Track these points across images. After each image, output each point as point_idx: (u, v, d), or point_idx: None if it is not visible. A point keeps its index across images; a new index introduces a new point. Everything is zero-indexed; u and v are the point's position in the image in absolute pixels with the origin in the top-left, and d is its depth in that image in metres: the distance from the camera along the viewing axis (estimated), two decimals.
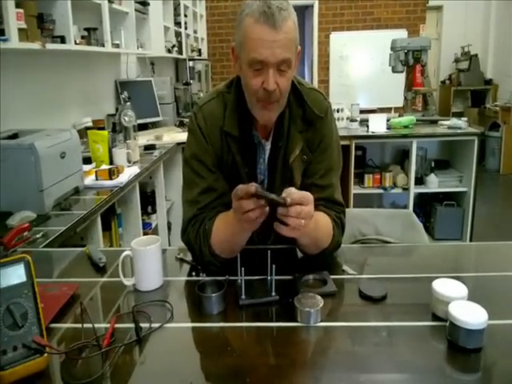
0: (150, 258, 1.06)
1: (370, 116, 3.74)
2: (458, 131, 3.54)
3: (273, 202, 0.93)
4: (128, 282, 1.07)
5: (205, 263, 1.14)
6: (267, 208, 0.96)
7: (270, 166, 1.21)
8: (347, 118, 3.78)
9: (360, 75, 7.02)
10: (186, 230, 1.17)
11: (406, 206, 3.75)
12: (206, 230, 1.12)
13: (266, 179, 1.23)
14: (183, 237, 1.19)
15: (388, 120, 3.70)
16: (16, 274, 0.79)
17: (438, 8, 7.94)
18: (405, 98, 4.12)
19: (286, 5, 1.01)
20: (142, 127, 3.52)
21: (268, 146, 1.20)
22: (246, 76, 1.06)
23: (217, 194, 1.14)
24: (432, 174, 3.77)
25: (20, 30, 1.88)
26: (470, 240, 3.65)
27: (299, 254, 1.21)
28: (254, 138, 1.19)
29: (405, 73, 4.01)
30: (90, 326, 0.89)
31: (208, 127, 1.17)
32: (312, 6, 6.98)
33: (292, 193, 0.95)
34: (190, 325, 0.95)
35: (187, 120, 4.04)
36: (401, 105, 4.26)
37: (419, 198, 3.98)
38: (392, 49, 3.92)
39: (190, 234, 1.15)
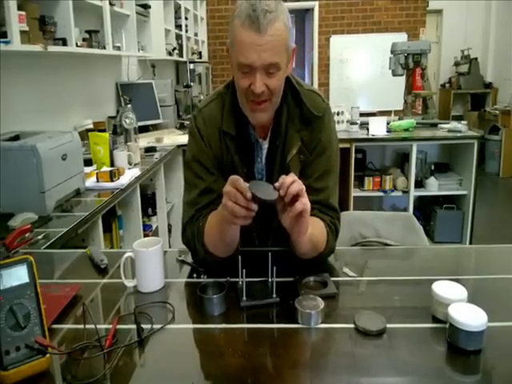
0: (151, 260, 1.06)
1: (370, 119, 3.75)
2: (458, 134, 3.55)
3: (266, 202, 0.93)
4: (129, 283, 1.07)
5: (200, 261, 1.16)
6: (255, 206, 0.94)
7: (267, 165, 1.22)
8: (347, 121, 3.79)
9: (360, 78, 7.04)
10: (185, 231, 1.18)
11: (406, 209, 3.76)
12: (200, 228, 1.13)
13: (264, 178, 1.23)
14: (183, 238, 1.20)
15: (388, 123, 3.71)
16: (19, 275, 0.79)
17: (438, 11, 7.96)
18: (405, 101, 4.13)
19: (273, 6, 0.99)
20: (143, 129, 3.53)
21: (266, 145, 1.21)
22: (236, 76, 1.08)
23: (215, 195, 1.14)
24: (432, 177, 3.77)
25: (22, 32, 1.89)
26: (470, 243, 3.65)
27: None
28: (251, 137, 1.20)
29: (405, 76, 4.02)
30: (91, 326, 0.89)
31: (207, 129, 1.18)
32: (312, 9, 7.01)
33: (285, 182, 0.94)
34: (192, 326, 0.95)
35: (188, 122, 4.05)
36: (401, 108, 4.27)
37: (419, 201, 3.99)
38: (392, 52, 3.94)
39: (188, 233, 1.17)
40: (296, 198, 0.94)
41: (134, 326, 0.90)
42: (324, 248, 1.14)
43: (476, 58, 7.74)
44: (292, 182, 0.94)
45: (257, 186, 0.95)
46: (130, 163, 2.49)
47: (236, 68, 1.05)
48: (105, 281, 1.15)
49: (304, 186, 0.96)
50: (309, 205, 0.97)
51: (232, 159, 1.18)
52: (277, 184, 0.95)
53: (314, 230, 1.08)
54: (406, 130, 3.69)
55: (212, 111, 1.19)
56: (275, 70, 1.03)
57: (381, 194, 3.81)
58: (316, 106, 1.19)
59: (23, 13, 1.91)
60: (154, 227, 3.06)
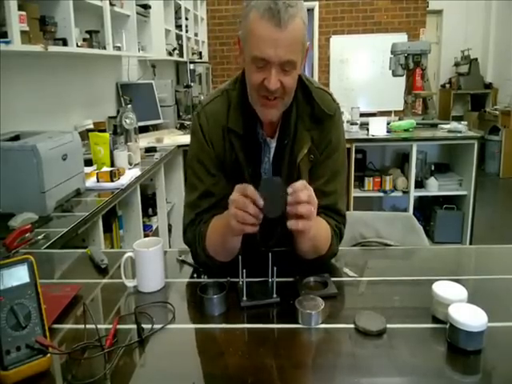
0: (152, 260, 1.06)
1: (371, 119, 3.75)
2: (458, 135, 3.55)
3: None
4: (130, 283, 1.08)
5: (201, 263, 1.16)
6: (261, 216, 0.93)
7: (274, 165, 1.18)
8: (347, 122, 3.79)
9: (360, 79, 7.05)
10: (186, 233, 1.18)
11: (406, 210, 3.76)
12: (201, 233, 1.12)
13: None
14: (184, 238, 1.20)
15: (388, 123, 3.71)
16: (19, 275, 0.80)
17: (438, 12, 7.96)
18: (405, 101, 4.13)
19: (294, 1, 0.95)
20: (143, 129, 3.53)
21: (273, 143, 1.17)
22: (249, 70, 1.03)
23: (215, 199, 1.13)
24: (432, 178, 3.77)
25: (22, 32, 1.89)
26: (470, 243, 3.65)
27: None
28: (259, 136, 1.16)
29: (405, 76, 4.02)
30: (92, 326, 0.89)
31: (210, 127, 1.14)
32: (312, 9, 7.01)
33: (300, 197, 0.92)
34: (192, 326, 0.96)
35: (188, 122, 4.05)
36: (401, 108, 4.28)
37: (419, 201, 3.99)
38: (392, 52, 3.94)
39: (189, 236, 1.16)
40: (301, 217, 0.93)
41: (134, 326, 0.91)
42: (326, 251, 1.13)
43: (476, 59, 7.74)
44: (305, 201, 0.92)
45: (266, 189, 0.92)
46: (130, 163, 2.49)
47: (249, 61, 1.01)
48: (105, 281, 1.15)
49: (315, 206, 0.95)
50: (314, 216, 0.95)
51: (237, 158, 1.14)
52: (290, 190, 0.92)
53: (319, 232, 1.07)
54: (406, 130, 3.69)
55: (216, 108, 1.15)
56: (291, 68, 1.00)
57: (381, 194, 3.81)
58: (327, 104, 1.16)
59: (23, 13, 1.91)
60: (154, 227, 3.06)
